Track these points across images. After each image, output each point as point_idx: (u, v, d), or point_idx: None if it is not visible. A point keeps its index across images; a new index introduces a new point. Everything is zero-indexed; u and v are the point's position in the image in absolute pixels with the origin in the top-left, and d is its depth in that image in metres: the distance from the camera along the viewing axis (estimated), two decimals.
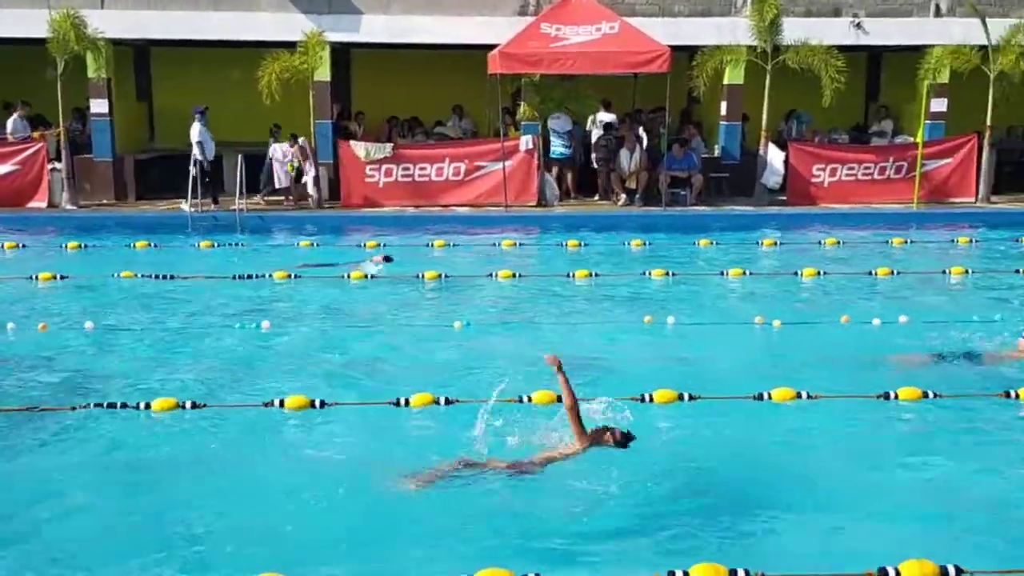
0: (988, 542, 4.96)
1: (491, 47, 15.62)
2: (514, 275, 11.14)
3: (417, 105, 18.57)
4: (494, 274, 11.16)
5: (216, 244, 13.22)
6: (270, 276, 10.95)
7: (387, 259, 11.66)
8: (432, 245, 13.29)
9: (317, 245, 13.35)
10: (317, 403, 6.73)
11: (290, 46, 15.38)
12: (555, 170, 16.81)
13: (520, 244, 13.42)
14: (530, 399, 6.77)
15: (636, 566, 4.65)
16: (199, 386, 7.25)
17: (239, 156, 14.99)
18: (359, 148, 16.00)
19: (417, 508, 5.30)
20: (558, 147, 16.73)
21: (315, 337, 8.79)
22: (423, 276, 11.03)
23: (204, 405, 6.72)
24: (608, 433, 5.57)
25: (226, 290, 10.54)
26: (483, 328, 9.02)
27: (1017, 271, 11.44)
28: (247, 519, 5.22)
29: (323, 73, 15.93)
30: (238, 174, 14.91)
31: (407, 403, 6.73)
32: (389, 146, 16.28)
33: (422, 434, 6.45)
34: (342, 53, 17.71)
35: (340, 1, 16.21)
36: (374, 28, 16.36)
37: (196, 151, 15.13)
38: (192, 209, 14.79)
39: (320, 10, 16.10)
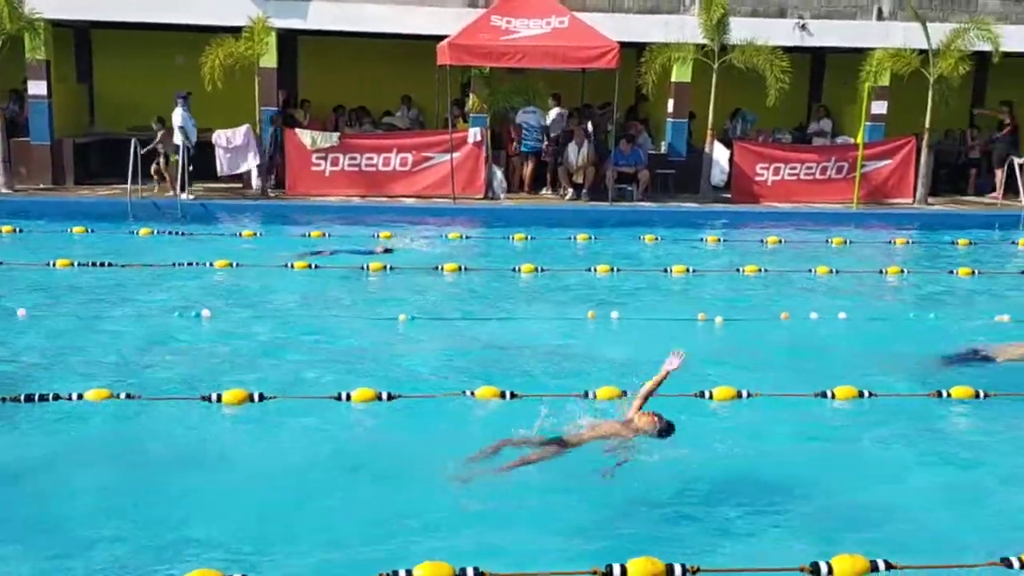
0: (922, 536, 5.07)
1: (441, 38, 15.54)
2: (460, 268, 11.12)
3: (365, 94, 18.40)
4: (440, 267, 11.12)
5: (156, 231, 12.97)
6: (211, 264, 10.78)
7: (387, 251, 11.69)
8: (378, 236, 13.20)
9: (260, 235, 13.16)
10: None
11: (235, 31, 15.12)
12: (525, 163, 16.84)
13: (466, 237, 13.39)
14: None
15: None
16: (136, 376, 7.12)
17: (182, 142, 14.72)
18: (305, 136, 15.82)
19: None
20: (530, 140, 16.75)
21: (253, 326, 8.67)
22: (368, 268, 10.95)
23: (138, 395, 6.60)
24: (656, 419, 5.61)
25: (168, 278, 10.35)
26: (427, 322, 8.98)
27: (951, 272, 11.73)
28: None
29: (269, 60, 15.70)
30: (180, 160, 14.65)
31: (349, 397, 6.67)
32: (336, 135, 16.13)
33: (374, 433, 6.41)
34: (288, 40, 17.48)
35: None
36: (322, 15, 16.17)
37: (179, 137, 14.93)
38: (189, 196, 14.74)
39: None
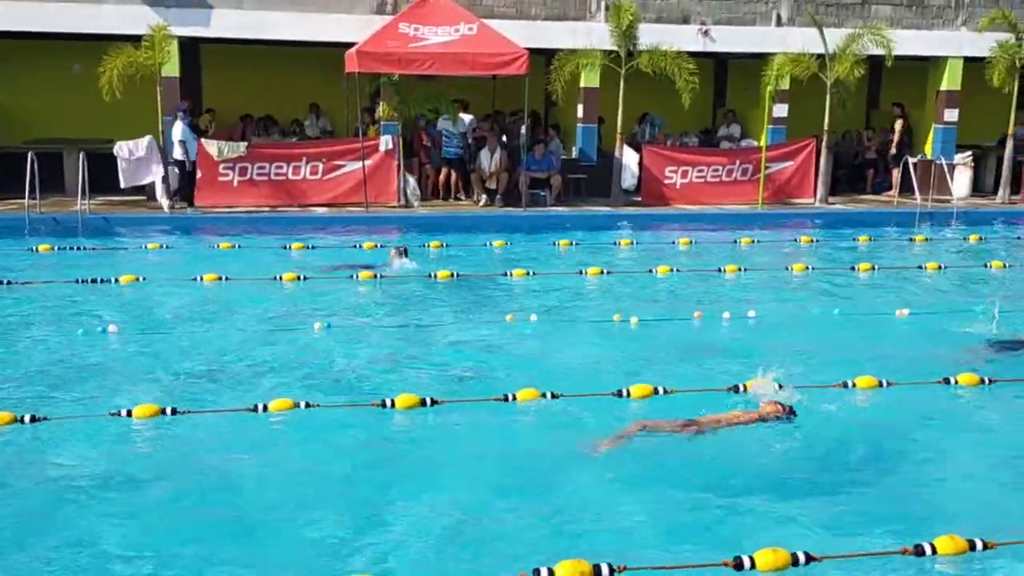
0: (854, 526, 5.22)
1: (348, 45, 15.42)
2: (375, 276, 11.03)
3: (272, 103, 18.14)
4: (354, 275, 11.01)
5: (56, 247, 12.50)
6: (116, 280, 10.45)
7: (403, 252, 11.59)
8: (289, 247, 12.99)
9: (167, 247, 12.82)
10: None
11: (135, 40, 14.72)
12: (445, 171, 16.82)
13: (381, 246, 13.29)
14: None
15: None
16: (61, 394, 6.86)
17: (81, 154, 14.25)
18: (211, 146, 15.49)
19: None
20: (451, 147, 16.73)
21: (160, 340, 8.44)
22: (281, 278, 10.77)
23: (45, 417, 6.35)
24: (779, 407, 6.33)
25: (70, 294, 10.00)
26: (343, 330, 8.88)
27: (853, 268, 12.14)
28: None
29: (171, 69, 15.32)
30: (80, 173, 14.17)
31: (267, 408, 6.55)
32: (243, 144, 15.84)
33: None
34: (191, 47, 17.10)
35: None
36: (225, 23, 15.86)
37: (178, 151, 14.69)
38: (171, 209, 14.67)
39: (167, 3, 15.48)
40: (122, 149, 15.17)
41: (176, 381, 7.36)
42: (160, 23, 14.90)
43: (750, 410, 6.46)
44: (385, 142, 15.99)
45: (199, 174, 15.42)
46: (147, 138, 15.19)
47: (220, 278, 10.64)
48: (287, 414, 6.54)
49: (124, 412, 6.41)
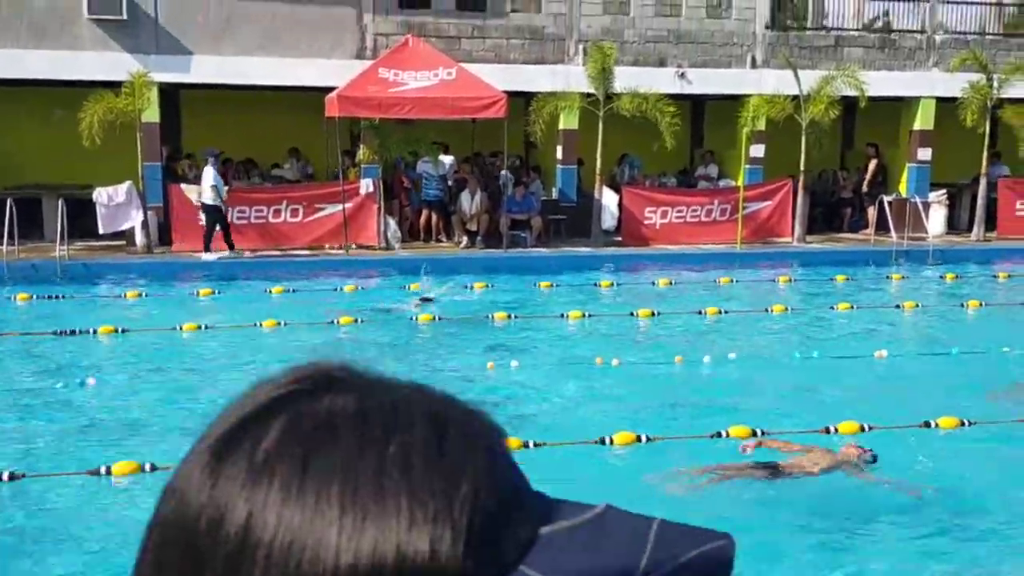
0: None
1: (328, 90, 15.51)
2: (356, 320, 11.01)
3: (252, 147, 18.19)
4: (336, 320, 10.99)
5: (35, 296, 12.40)
6: (94, 332, 10.37)
7: (426, 300, 11.71)
8: (270, 292, 12.96)
9: (145, 295, 12.76)
10: None
11: (115, 86, 14.76)
12: (425, 212, 16.88)
13: (361, 288, 13.28)
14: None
15: None
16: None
17: (60, 200, 14.20)
18: (191, 191, 15.48)
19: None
20: (431, 189, 16.79)
21: (141, 393, 8.37)
22: (261, 325, 10.73)
23: (23, 474, 6.26)
24: (861, 451, 6.28)
25: (49, 345, 9.92)
26: None
27: (832, 307, 12.23)
28: None
29: (151, 115, 15.37)
30: (59, 219, 14.11)
31: None
32: (224, 189, 15.81)
33: None
34: (171, 93, 17.15)
35: (168, 41, 15.73)
36: (204, 69, 15.94)
37: (210, 196, 14.55)
38: (216, 256, 14.66)
39: (147, 50, 15.56)
40: (101, 195, 15.13)
41: (156, 434, 7.28)
42: (140, 70, 14.96)
43: (831, 452, 6.36)
44: (366, 185, 16.05)
45: (176, 219, 15.40)
46: (127, 184, 15.17)
47: (199, 327, 10.59)
48: None
49: (103, 469, 6.33)
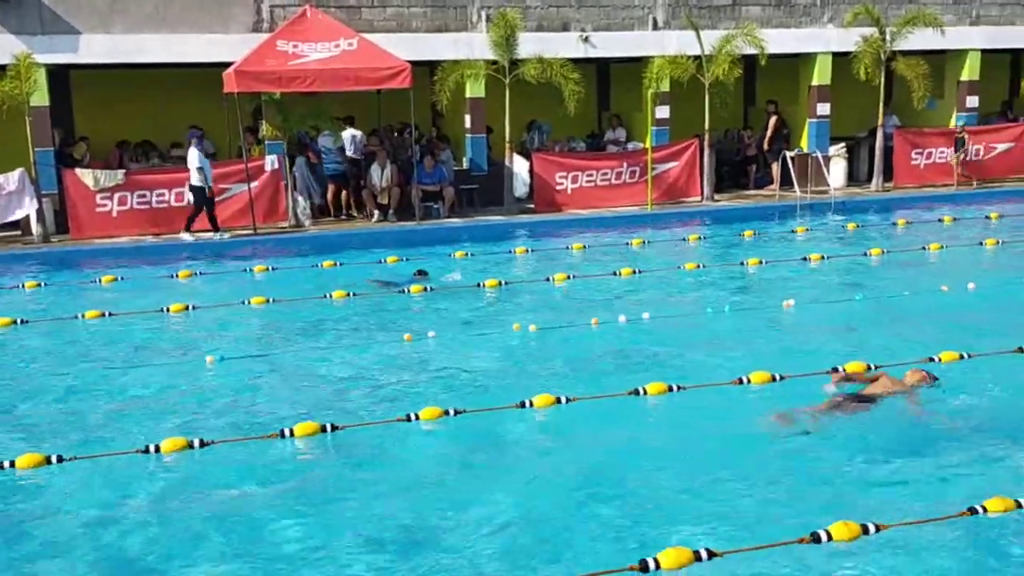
0: (741, 521, 5.33)
1: (225, 65, 15.06)
2: (268, 300, 10.78)
3: (149, 128, 17.59)
4: (246, 301, 10.74)
5: None
6: None
7: (421, 273, 11.68)
8: (176, 276, 12.60)
9: (45, 284, 12.26)
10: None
11: (0, 70, 14.07)
12: (332, 188, 16.58)
13: (273, 268, 13.00)
14: None
15: None
16: None
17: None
18: (87, 176, 14.91)
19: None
20: (330, 164, 16.48)
21: (40, 381, 8.07)
22: (168, 309, 10.43)
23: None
24: (925, 375, 7.02)
25: None
26: (238, 361, 8.64)
27: (742, 262, 12.47)
28: None
29: (40, 98, 14.72)
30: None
31: (158, 449, 6.31)
32: (121, 172, 15.31)
33: None
34: (60, 75, 16.43)
35: (54, 20, 15.03)
36: (93, 48, 15.30)
37: (196, 178, 14.26)
38: (193, 237, 14.56)
39: (32, 30, 14.86)
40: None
41: (62, 423, 7.03)
42: (25, 51, 14.29)
43: (900, 379, 6.99)
44: (270, 162, 15.68)
45: (73, 206, 14.84)
46: (18, 171, 14.52)
47: (102, 314, 10.23)
48: (179, 454, 6.31)
49: (7, 463, 6.09)
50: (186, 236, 14.59)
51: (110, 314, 10.25)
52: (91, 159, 16.50)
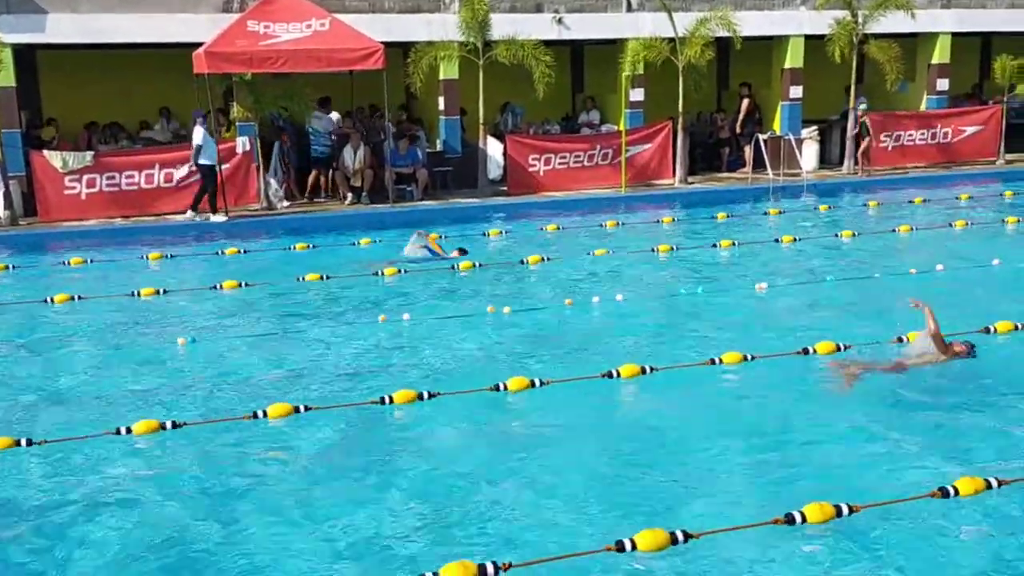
0: (703, 505, 5.37)
1: (195, 45, 14.87)
2: (240, 283, 10.70)
3: (118, 109, 17.36)
4: (218, 285, 10.66)
5: None
6: None
7: (462, 251, 11.71)
8: (147, 258, 12.48)
9: (13, 268, 12.10)
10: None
11: None
12: (314, 172, 16.52)
13: (245, 251, 12.91)
14: None
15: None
16: None
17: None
18: (55, 158, 14.71)
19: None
20: (319, 146, 16.37)
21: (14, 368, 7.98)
22: (139, 293, 10.33)
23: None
24: (962, 346, 7.18)
25: None
26: (210, 344, 8.58)
27: (715, 245, 12.52)
28: None
29: (6, 79, 14.49)
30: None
31: (130, 431, 6.27)
32: (89, 154, 15.12)
33: None
34: (27, 55, 16.16)
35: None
36: (61, 28, 15.06)
37: (203, 157, 14.32)
38: (199, 217, 14.64)
39: None
40: None
41: (37, 409, 6.96)
42: None
43: (939, 351, 7.15)
44: (242, 143, 15.53)
45: (41, 188, 14.64)
46: None
47: (71, 298, 10.12)
48: (152, 435, 6.27)
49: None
50: (217, 217, 14.69)
51: (79, 297, 10.15)
52: (59, 141, 16.25)
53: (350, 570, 4.72)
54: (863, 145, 18.62)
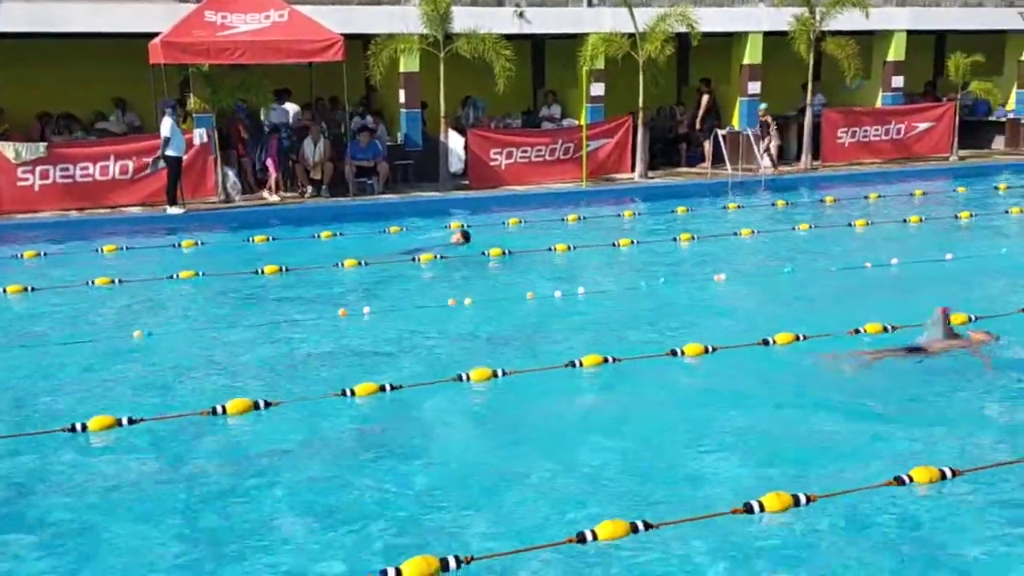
0: (672, 495, 5.41)
1: (152, 35, 14.65)
2: (196, 274, 10.57)
3: (72, 99, 17.03)
4: (175, 275, 10.52)
5: None
6: None
7: (465, 236, 11.77)
8: (101, 251, 12.27)
9: None
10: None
11: None
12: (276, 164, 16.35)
13: (202, 243, 12.75)
14: None
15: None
16: None
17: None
18: (7, 149, 14.42)
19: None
20: (285, 140, 16.20)
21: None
22: (93, 282, 10.16)
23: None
24: (989, 335, 7.43)
25: None
26: (166, 336, 8.46)
27: (674, 238, 12.61)
28: None
29: None
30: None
31: (85, 428, 6.16)
32: (43, 145, 14.82)
33: None
34: None
35: None
36: (11, 16, 14.74)
37: (170, 148, 14.08)
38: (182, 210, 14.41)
39: None
40: None
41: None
42: None
43: (964, 339, 7.37)
44: (199, 135, 15.33)
45: None
46: None
47: (24, 289, 9.92)
48: (108, 432, 6.17)
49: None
50: (174, 209, 14.44)
51: (33, 289, 9.96)
52: (10, 131, 15.91)
53: (311, 565, 4.68)
54: (765, 143, 18.52)
